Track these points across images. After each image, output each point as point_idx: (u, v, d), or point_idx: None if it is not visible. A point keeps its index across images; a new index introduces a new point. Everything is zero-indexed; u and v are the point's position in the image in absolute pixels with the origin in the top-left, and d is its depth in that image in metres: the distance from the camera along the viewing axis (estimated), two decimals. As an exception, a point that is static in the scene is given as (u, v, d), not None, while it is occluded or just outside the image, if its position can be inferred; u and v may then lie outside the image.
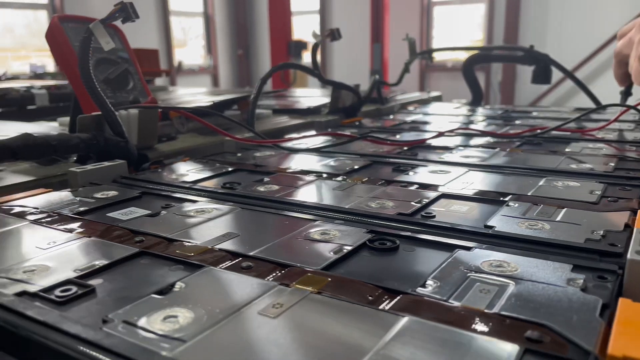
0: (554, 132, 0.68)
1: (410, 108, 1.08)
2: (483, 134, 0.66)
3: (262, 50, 8.59)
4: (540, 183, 0.44)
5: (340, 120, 0.86)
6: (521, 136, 0.66)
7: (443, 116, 0.94)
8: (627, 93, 0.79)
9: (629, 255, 0.25)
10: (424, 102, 1.17)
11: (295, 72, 5.73)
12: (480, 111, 0.98)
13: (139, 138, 0.56)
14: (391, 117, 0.93)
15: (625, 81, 0.67)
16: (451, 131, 0.67)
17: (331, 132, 0.65)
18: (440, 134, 0.64)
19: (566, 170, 0.49)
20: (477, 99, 1.08)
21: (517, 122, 0.82)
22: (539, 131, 0.66)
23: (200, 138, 0.67)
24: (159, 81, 1.65)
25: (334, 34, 0.82)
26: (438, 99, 1.26)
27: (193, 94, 1.29)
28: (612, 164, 0.50)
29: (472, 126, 0.77)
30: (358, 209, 0.37)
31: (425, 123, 0.83)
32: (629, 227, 0.32)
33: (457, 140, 0.66)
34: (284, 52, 5.79)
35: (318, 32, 0.81)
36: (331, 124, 0.82)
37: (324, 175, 0.48)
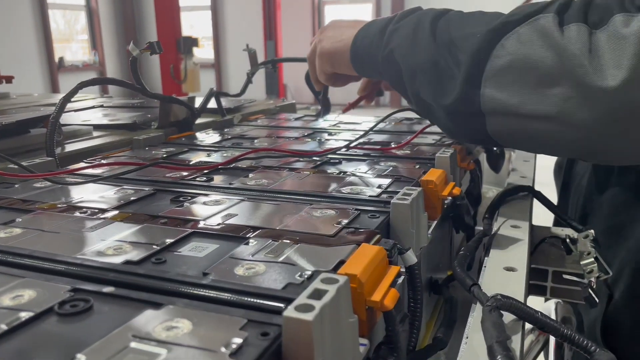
0: (357, 150, 0.70)
1: (257, 119, 1.07)
2: (281, 153, 0.67)
3: (150, 46, 8.09)
4: (301, 212, 0.45)
5: (168, 136, 0.83)
6: (320, 155, 0.67)
7: (277, 129, 0.94)
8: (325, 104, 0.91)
9: (285, 312, 0.25)
10: (271, 113, 1.17)
11: (185, 67, 5.53)
12: (319, 122, 1.00)
13: None
14: (225, 130, 0.91)
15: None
16: (255, 151, 0.67)
17: (114, 162, 0.61)
18: (235, 159, 0.63)
19: (335, 196, 0.50)
20: (326, 107, 1.09)
21: (336, 136, 0.84)
22: (341, 150, 0.68)
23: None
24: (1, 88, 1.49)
25: (154, 47, 0.78)
26: (290, 108, 1.27)
27: (26, 105, 1.18)
28: (382, 187, 0.52)
29: (288, 143, 0.78)
30: (64, 257, 0.34)
31: (252, 139, 0.82)
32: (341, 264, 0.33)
33: (265, 161, 0.65)
34: (173, 49, 5.55)
35: (136, 45, 0.76)
36: (154, 140, 0.78)
37: (88, 212, 0.45)
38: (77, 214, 0.44)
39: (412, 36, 0.56)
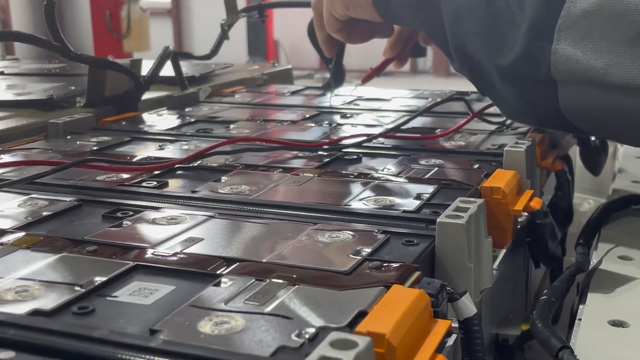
0: (384, 140, 0.70)
1: (234, 93, 1.07)
2: (271, 145, 0.67)
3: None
4: (301, 236, 0.44)
5: (100, 118, 0.83)
6: (329, 147, 0.67)
7: (264, 108, 0.93)
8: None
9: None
10: (255, 84, 1.17)
11: (128, 15, 5.56)
12: (327, 99, 1.00)
13: None
14: (187, 110, 0.91)
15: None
16: (236, 142, 0.67)
17: (19, 160, 0.61)
18: (200, 153, 0.63)
19: (352, 211, 0.49)
20: (338, 77, 1.09)
21: (352, 119, 0.84)
22: (354, 141, 0.68)
23: None
24: None
25: None
26: (284, 76, 1.27)
27: None
28: (422, 199, 0.52)
29: (281, 130, 0.78)
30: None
31: (227, 123, 0.82)
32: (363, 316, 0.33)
33: (247, 157, 0.65)
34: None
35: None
36: (80, 124, 0.78)
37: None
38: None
39: None
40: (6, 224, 0.47)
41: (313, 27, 0.81)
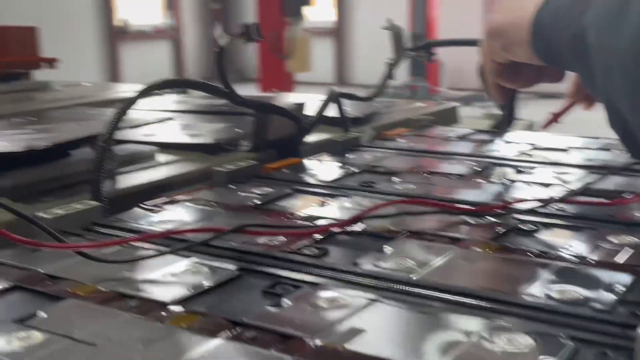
0: (564, 205, 0.64)
1: (397, 137, 1.04)
2: (433, 207, 0.63)
3: (245, 5, 8.64)
4: (474, 337, 0.40)
5: (261, 165, 0.83)
6: (500, 212, 0.62)
7: (429, 157, 0.90)
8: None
9: None
10: (419, 125, 1.13)
11: (292, 37, 5.72)
12: (497, 145, 0.94)
13: None
14: (348, 156, 0.90)
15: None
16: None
17: (176, 230, 0.61)
18: (360, 217, 0.60)
19: (532, 305, 0.44)
20: (508, 122, 1.04)
21: (527, 175, 0.78)
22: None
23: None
24: (40, 75, 1.64)
25: (251, 32, 0.79)
26: (448, 115, 1.22)
27: (72, 102, 1.27)
28: (616, 292, 0.46)
29: (449, 186, 0.74)
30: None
31: (390, 174, 0.80)
32: None
33: (409, 220, 0.62)
34: (275, 10, 5.80)
35: (226, 30, 0.78)
36: (244, 173, 0.79)
37: (136, 304, 0.45)
38: (120, 309, 0.45)
39: (619, 4, 0.50)
40: (167, 295, 0.47)
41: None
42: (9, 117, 1.15)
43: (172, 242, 0.58)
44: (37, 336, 0.41)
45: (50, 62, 1.62)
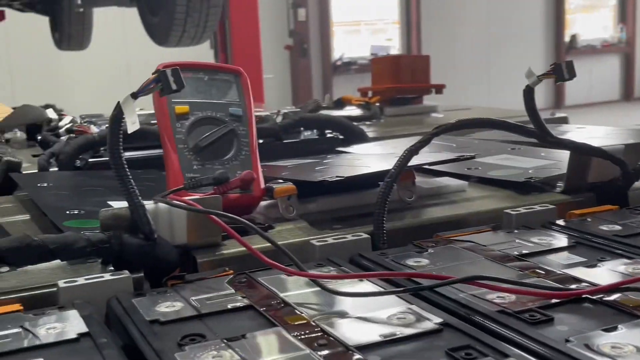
0: None
1: None
2: None
3: None
4: None
5: (570, 209, 0.78)
6: None
7: None
8: None
9: None
10: None
11: None
12: None
13: (190, 236, 0.67)
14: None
15: None
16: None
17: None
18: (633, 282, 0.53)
19: None
20: None
21: None
22: None
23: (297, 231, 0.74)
24: (429, 100, 1.74)
25: (561, 71, 0.74)
26: None
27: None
28: None
29: None
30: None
31: None
32: None
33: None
34: None
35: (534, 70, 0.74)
36: (539, 217, 0.75)
37: None
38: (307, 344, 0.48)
39: None
40: (354, 337, 0.49)
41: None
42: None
43: (411, 283, 0.59)
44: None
45: (438, 89, 1.73)
